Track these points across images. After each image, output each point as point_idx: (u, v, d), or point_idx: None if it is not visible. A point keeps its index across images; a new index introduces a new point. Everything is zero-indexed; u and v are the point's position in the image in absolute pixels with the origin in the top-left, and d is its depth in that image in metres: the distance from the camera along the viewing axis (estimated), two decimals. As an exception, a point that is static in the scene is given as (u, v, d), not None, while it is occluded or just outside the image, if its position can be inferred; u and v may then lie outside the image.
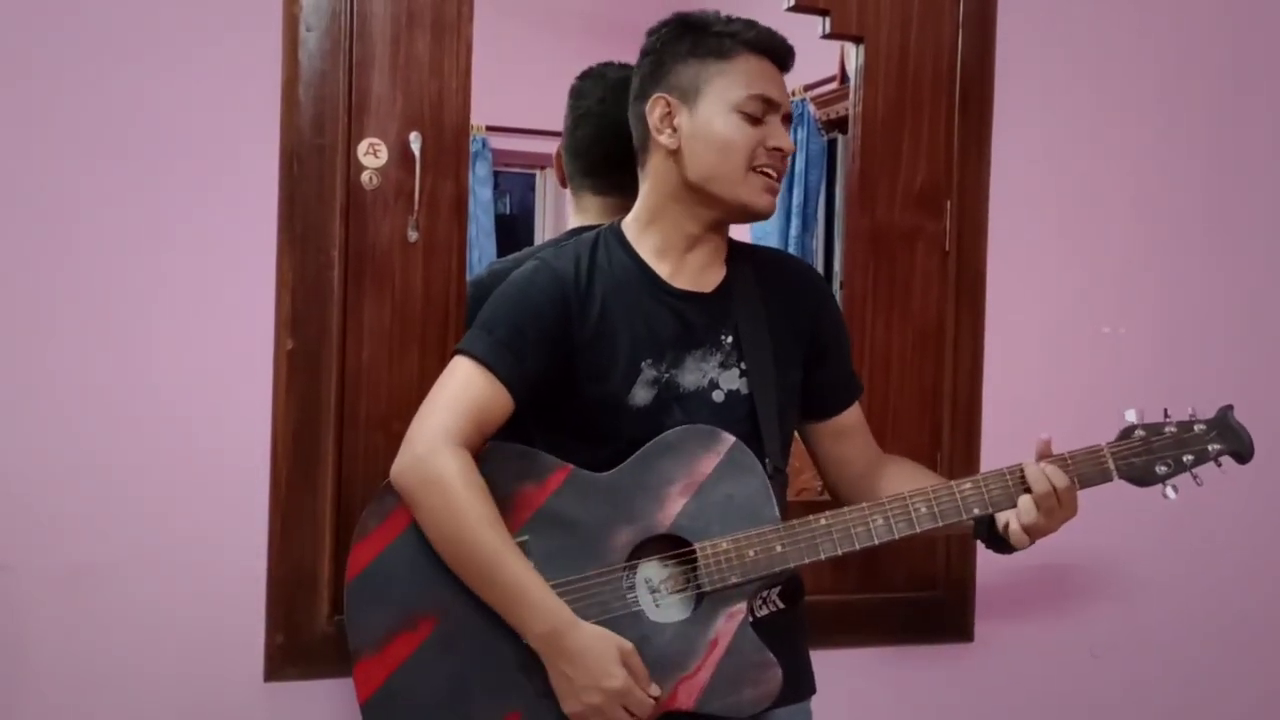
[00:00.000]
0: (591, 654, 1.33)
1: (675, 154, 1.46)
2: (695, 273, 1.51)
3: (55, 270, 1.61)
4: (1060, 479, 1.42)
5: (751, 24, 1.47)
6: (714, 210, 1.47)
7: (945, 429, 1.97)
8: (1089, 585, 2.09)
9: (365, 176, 1.71)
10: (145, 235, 1.64)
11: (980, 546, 1.98)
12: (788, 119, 1.48)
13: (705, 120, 1.44)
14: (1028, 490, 1.42)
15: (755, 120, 1.43)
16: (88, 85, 1.61)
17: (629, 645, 1.35)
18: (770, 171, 1.45)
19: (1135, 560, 2.11)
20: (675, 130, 1.45)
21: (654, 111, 1.46)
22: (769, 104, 1.44)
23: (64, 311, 1.62)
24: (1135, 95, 2.09)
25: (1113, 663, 2.11)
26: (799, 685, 1.52)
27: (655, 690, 1.36)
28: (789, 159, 1.50)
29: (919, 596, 2.00)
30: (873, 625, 1.97)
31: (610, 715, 1.34)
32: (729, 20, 1.47)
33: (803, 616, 1.56)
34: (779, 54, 1.47)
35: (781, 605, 1.50)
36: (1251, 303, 2.17)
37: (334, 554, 1.70)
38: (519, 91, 2.91)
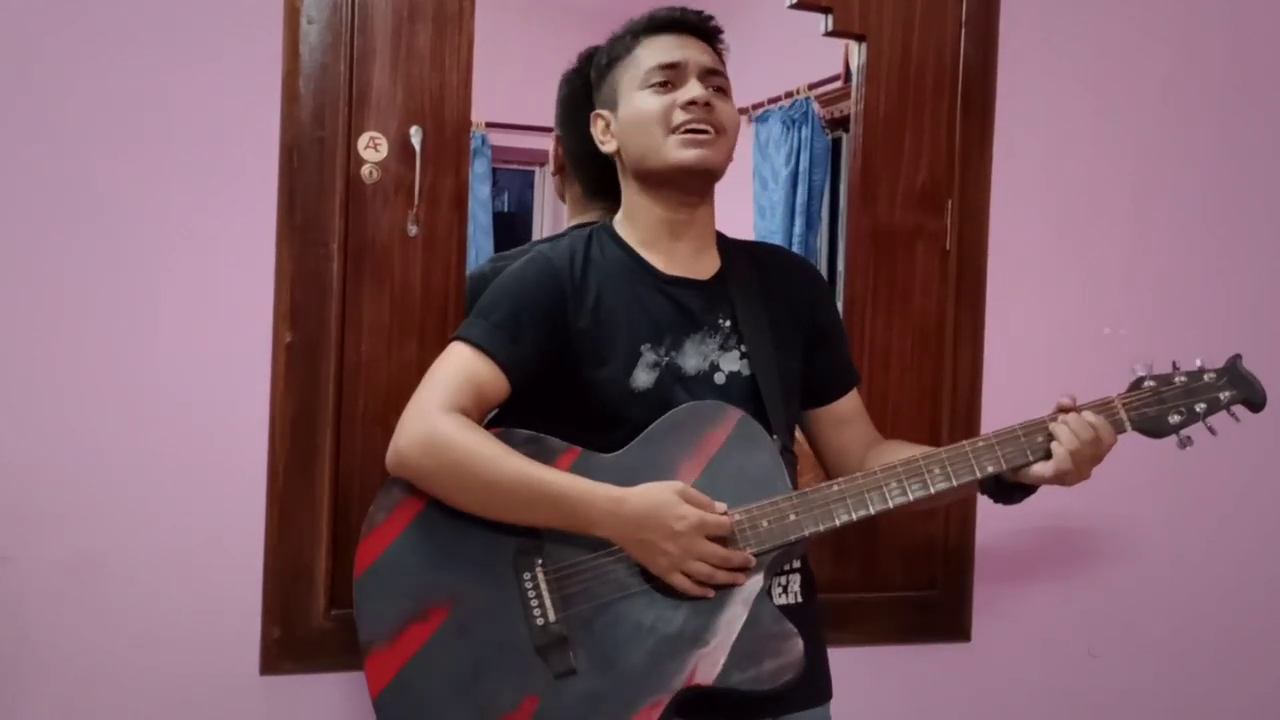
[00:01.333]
0: (653, 507, 1.35)
1: (618, 154, 1.52)
2: (687, 260, 1.52)
3: (55, 263, 1.61)
4: (1087, 432, 1.42)
5: (650, 13, 1.51)
6: (661, 188, 1.50)
7: (945, 428, 1.97)
8: (1087, 584, 2.09)
9: (365, 170, 1.70)
10: (145, 227, 1.64)
11: (978, 545, 2.01)
12: (710, 74, 1.48)
13: (625, 112, 1.50)
14: (1047, 447, 1.42)
15: (666, 87, 1.47)
16: (89, 78, 1.61)
17: (679, 484, 1.37)
18: (690, 126, 1.45)
19: (1133, 560, 2.10)
20: (612, 136, 1.52)
21: (595, 128, 1.55)
22: (671, 68, 1.47)
23: (64, 303, 1.61)
24: (1137, 95, 2.09)
25: (1111, 663, 2.11)
26: (817, 687, 1.52)
27: (722, 506, 1.38)
28: (724, 113, 1.48)
29: (917, 596, 1.99)
30: (870, 624, 1.97)
31: (698, 550, 1.35)
32: (631, 21, 1.53)
33: (819, 616, 1.55)
34: (676, 23, 1.50)
35: (800, 599, 1.50)
36: (1253, 305, 2.17)
37: (331, 547, 1.70)
38: (518, 88, 2.90)
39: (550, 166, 1.87)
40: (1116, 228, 2.09)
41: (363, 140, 1.70)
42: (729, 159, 1.51)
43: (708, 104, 1.45)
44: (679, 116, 1.45)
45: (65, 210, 1.61)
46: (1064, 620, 2.09)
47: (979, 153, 1.98)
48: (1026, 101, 2.01)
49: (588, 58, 1.75)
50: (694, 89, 1.46)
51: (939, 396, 1.98)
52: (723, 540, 1.37)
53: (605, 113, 1.53)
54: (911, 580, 1.99)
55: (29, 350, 1.61)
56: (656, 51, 1.48)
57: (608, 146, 1.53)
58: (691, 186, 1.50)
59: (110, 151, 1.62)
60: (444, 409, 1.38)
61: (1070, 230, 2.06)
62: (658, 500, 1.35)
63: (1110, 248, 2.09)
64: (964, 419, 1.98)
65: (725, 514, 1.37)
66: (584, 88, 1.65)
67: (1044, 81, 2.03)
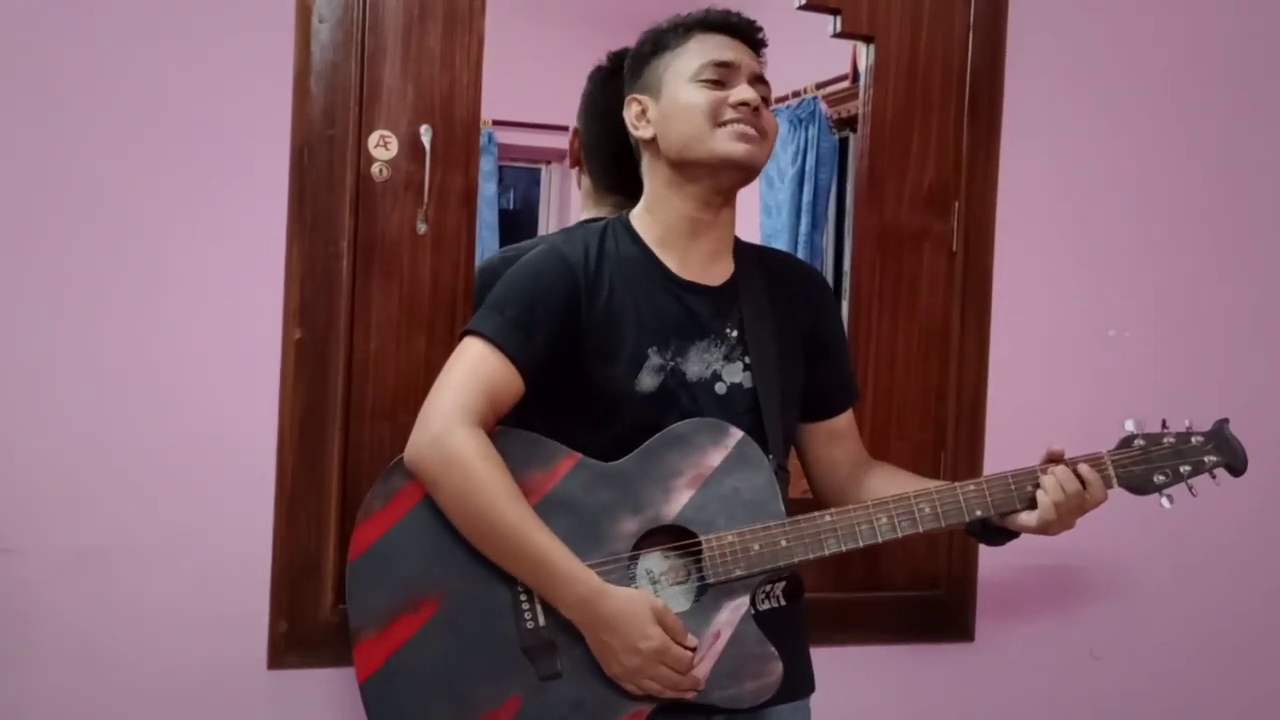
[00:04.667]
0: (625, 617, 1.35)
1: (653, 142, 1.51)
2: (701, 264, 1.52)
3: (64, 259, 1.62)
4: (1073, 485, 1.44)
5: (706, 10, 1.52)
6: (700, 180, 1.48)
7: (950, 428, 1.98)
8: (1090, 586, 2.10)
9: (375, 168, 1.71)
10: (156, 224, 1.65)
11: (982, 546, 2.01)
12: (758, 80, 1.49)
13: (670, 100, 1.49)
14: (1034, 497, 1.44)
15: (717, 85, 1.47)
16: (101, 76, 1.62)
17: (660, 604, 1.37)
18: (739, 121, 1.46)
19: (1136, 562, 2.11)
20: (649, 122, 1.51)
21: (629, 112, 1.54)
22: (725, 66, 1.47)
23: (73, 297, 1.62)
24: (1144, 98, 2.09)
25: (1113, 664, 2.12)
26: (798, 683, 1.53)
27: (692, 641, 1.38)
28: (770, 117, 1.50)
29: (920, 596, 2.00)
30: (874, 624, 1.98)
31: (651, 674, 1.35)
32: (685, 15, 1.52)
33: (803, 614, 1.57)
34: (732, 27, 1.51)
35: (783, 602, 1.51)
36: (1257, 307, 2.18)
37: (339, 543, 1.70)
38: (525, 86, 2.91)
39: (569, 160, 1.87)
40: (1122, 230, 2.09)
41: (373, 138, 1.71)
42: (764, 165, 1.52)
43: (756, 108, 1.46)
44: (729, 114, 1.45)
45: (75, 207, 1.62)
46: (1066, 622, 2.09)
47: (986, 154, 1.99)
48: (1034, 104, 2.01)
49: (619, 57, 1.75)
50: (746, 91, 1.46)
51: (944, 397, 1.98)
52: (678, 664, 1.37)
53: (643, 98, 1.52)
54: (915, 580, 2.00)
55: (38, 345, 1.61)
56: (712, 48, 1.48)
57: (641, 132, 1.51)
58: (728, 182, 1.50)
59: (121, 149, 1.63)
60: (466, 419, 1.38)
61: (1076, 232, 2.07)
62: (632, 611, 1.35)
63: (1116, 250, 2.09)
64: (969, 419, 1.99)
65: (692, 649, 1.37)
66: (615, 85, 1.66)
67: (1051, 84, 2.03)
